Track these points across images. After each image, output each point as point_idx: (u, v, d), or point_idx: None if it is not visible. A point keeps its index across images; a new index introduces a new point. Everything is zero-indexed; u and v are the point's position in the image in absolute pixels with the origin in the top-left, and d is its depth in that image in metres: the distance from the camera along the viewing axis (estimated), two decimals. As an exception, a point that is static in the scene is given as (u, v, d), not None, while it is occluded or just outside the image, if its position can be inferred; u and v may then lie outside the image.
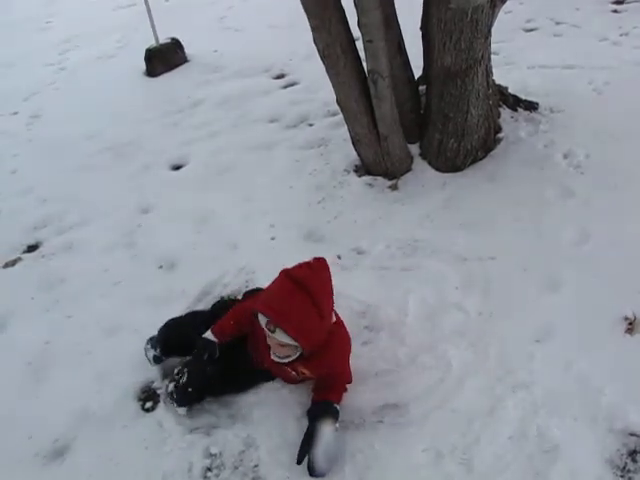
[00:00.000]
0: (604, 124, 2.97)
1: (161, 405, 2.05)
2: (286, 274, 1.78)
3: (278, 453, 1.83)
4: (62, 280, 2.74)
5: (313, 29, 2.60)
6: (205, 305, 2.44)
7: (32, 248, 3.03)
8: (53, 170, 3.71)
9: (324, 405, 1.84)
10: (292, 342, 1.75)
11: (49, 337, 2.41)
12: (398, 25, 2.76)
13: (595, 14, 4.39)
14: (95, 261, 2.82)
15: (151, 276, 2.67)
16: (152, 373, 2.16)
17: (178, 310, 2.39)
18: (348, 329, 1.97)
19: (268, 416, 1.94)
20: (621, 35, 3.99)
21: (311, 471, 1.74)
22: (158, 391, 2.10)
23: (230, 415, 1.99)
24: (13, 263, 2.94)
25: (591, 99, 3.25)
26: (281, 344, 1.78)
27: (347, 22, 2.60)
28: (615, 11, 4.40)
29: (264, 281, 2.48)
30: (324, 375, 1.91)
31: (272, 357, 1.87)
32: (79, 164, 3.73)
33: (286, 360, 1.85)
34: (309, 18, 2.57)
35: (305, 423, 1.85)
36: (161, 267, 2.72)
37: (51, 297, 2.64)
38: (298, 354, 1.83)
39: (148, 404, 2.05)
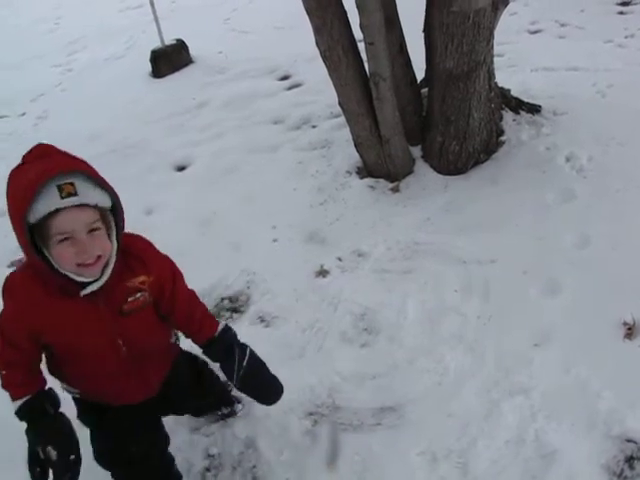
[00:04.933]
0: (607, 127, 2.95)
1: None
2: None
3: (277, 454, 1.84)
4: (66, 280, 2.76)
5: (315, 31, 2.61)
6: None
7: (37, 248, 3.06)
8: (58, 171, 3.74)
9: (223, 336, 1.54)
10: (102, 203, 1.28)
11: (52, 337, 2.43)
12: (400, 27, 2.77)
13: (600, 16, 4.37)
14: (98, 262, 2.84)
15: (153, 277, 2.68)
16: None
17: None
18: (347, 333, 1.94)
19: (267, 417, 1.95)
20: (626, 37, 3.97)
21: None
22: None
23: (229, 416, 1.99)
24: (19, 262, 2.97)
25: (595, 102, 3.23)
26: (89, 226, 1.25)
27: (349, 24, 2.61)
28: (621, 12, 4.39)
29: (265, 282, 2.53)
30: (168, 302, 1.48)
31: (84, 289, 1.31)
32: (84, 165, 3.76)
33: (102, 267, 1.30)
34: (311, 20, 2.58)
35: (308, 425, 1.87)
36: (163, 268, 2.74)
37: (55, 297, 2.67)
38: (115, 246, 1.33)
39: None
